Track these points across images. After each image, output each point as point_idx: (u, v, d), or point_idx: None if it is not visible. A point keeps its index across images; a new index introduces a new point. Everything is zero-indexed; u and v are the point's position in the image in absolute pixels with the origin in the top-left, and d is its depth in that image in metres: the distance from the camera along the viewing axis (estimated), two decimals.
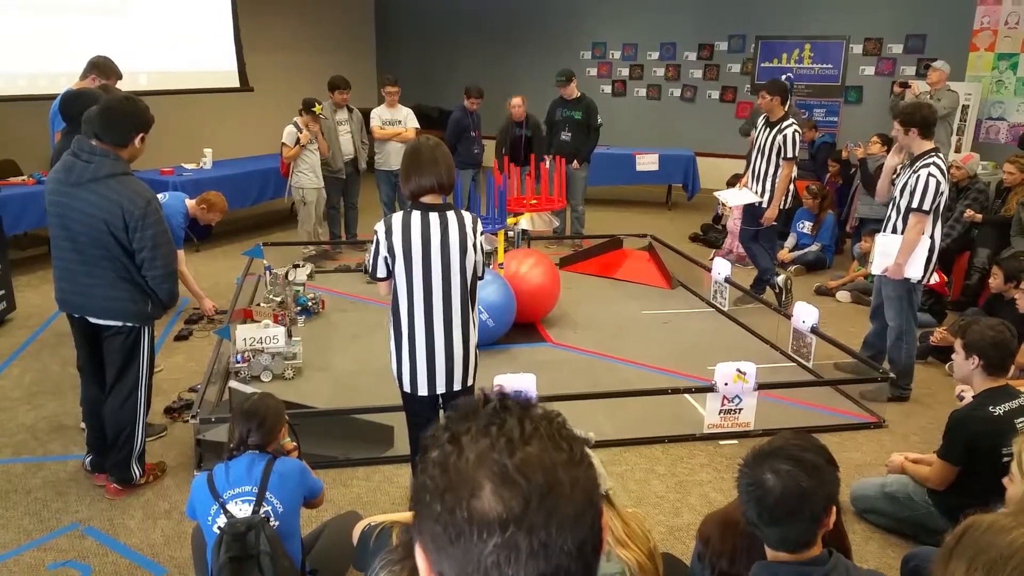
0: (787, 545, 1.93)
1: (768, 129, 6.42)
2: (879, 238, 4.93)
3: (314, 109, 7.36)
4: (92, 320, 3.60)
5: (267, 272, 6.24)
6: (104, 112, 3.45)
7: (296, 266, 6.47)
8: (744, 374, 4.38)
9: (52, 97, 4.77)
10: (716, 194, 8.31)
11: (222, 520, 2.70)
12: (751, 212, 6.71)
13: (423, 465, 0.81)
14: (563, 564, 0.77)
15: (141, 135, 3.52)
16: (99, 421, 3.74)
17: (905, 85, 8.26)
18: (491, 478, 0.77)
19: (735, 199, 6.90)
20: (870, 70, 10.73)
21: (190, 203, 6.05)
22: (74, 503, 3.76)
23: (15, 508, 3.71)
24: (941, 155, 4.74)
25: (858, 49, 10.71)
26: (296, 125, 7.36)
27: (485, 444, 0.79)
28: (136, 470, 3.79)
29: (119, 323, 3.57)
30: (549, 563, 0.76)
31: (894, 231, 4.78)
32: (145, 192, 3.48)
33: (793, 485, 1.85)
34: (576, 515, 0.78)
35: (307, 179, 7.52)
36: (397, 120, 8.12)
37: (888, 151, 7.78)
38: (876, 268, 4.94)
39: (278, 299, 5.82)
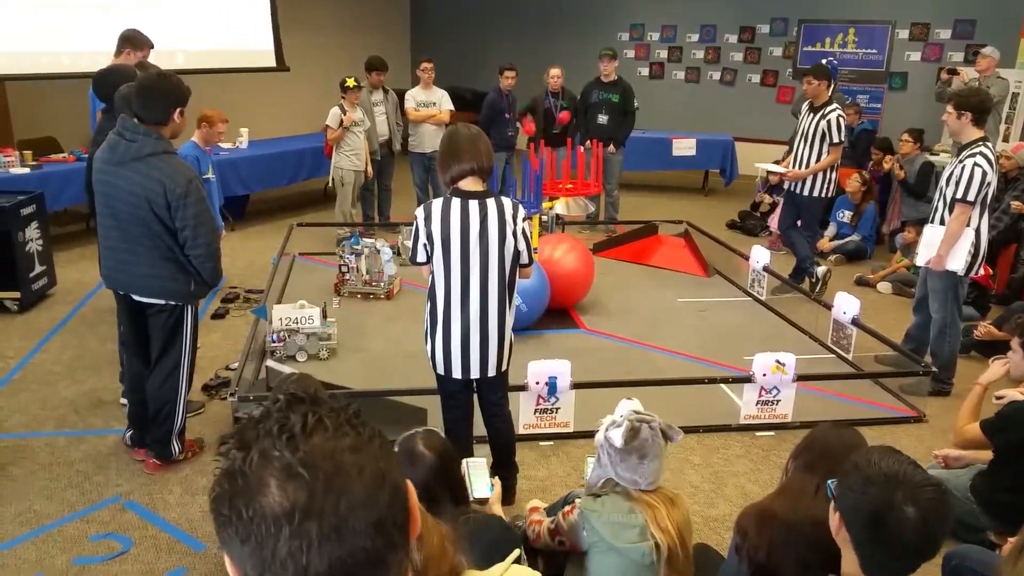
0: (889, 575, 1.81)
1: (812, 114, 6.32)
2: (926, 229, 4.83)
3: (347, 84, 7.36)
4: (136, 298, 3.64)
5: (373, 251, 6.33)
6: (140, 92, 3.48)
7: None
8: (783, 365, 4.32)
9: (90, 75, 4.80)
10: (758, 164, 8.21)
11: None
12: (792, 200, 6.62)
13: (216, 478, 0.82)
14: (359, 543, 0.79)
15: (179, 109, 3.55)
16: (141, 396, 3.79)
17: (953, 72, 8.05)
18: (275, 475, 0.78)
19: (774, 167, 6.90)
20: (916, 56, 10.49)
21: (193, 140, 5.83)
22: (115, 477, 3.82)
23: (58, 480, 3.78)
24: (989, 144, 4.61)
25: (904, 34, 10.48)
26: (341, 107, 7.37)
27: (268, 443, 0.80)
28: (176, 446, 3.84)
29: (162, 301, 3.61)
30: (343, 545, 0.78)
31: (941, 222, 4.68)
32: (187, 171, 3.51)
33: (933, 524, 1.73)
34: (368, 496, 0.80)
35: (347, 161, 7.54)
36: (432, 102, 8.10)
37: (920, 147, 7.67)
38: (921, 260, 4.84)
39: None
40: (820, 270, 6.59)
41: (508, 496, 3.69)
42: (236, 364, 4.67)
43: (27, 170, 7.01)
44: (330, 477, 0.78)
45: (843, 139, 6.26)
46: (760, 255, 6.59)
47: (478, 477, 2.75)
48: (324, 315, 5.20)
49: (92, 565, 3.22)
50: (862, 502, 1.77)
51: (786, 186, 6.70)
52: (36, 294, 6.00)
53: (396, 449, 2.50)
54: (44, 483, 3.75)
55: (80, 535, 3.40)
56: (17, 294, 5.78)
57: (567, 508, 2.66)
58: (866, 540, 1.78)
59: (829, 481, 1.90)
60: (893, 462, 1.80)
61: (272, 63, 10.12)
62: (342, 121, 7.33)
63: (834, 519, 1.86)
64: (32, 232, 5.92)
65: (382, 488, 0.81)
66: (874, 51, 10.67)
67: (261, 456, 0.79)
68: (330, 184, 7.87)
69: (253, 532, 0.78)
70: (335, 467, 0.79)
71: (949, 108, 4.64)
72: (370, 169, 7.72)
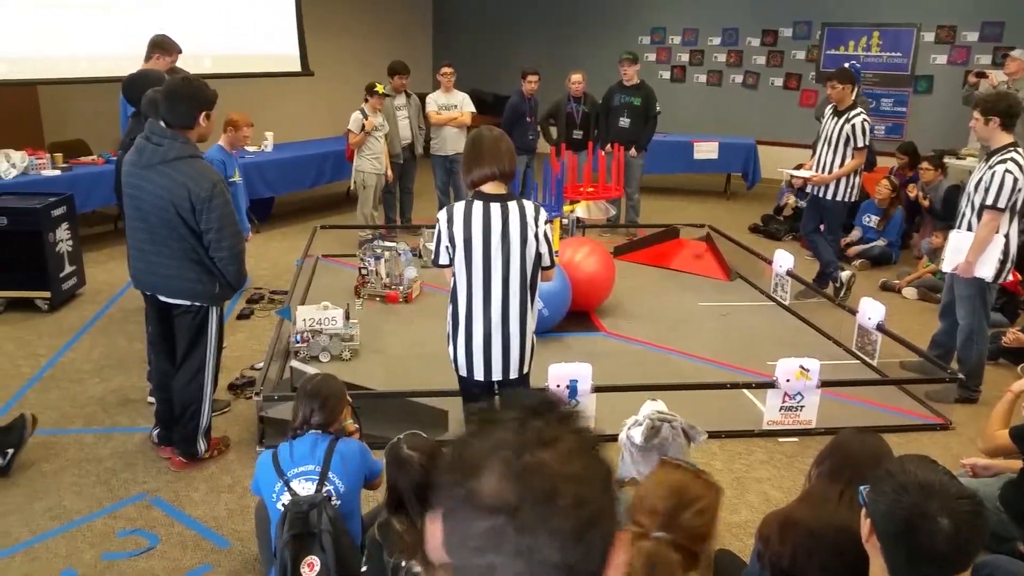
0: None
1: (836, 118, 6.29)
2: (952, 235, 4.79)
3: (376, 89, 7.42)
4: (163, 298, 3.69)
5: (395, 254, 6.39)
6: (166, 96, 3.54)
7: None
8: (807, 371, 4.30)
9: (120, 79, 4.88)
10: (781, 169, 8.16)
11: (286, 497, 2.76)
12: (815, 204, 6.59)
13: (467, 438, 0.84)
14: (548, 573, 0.77)
15: (205, 113, 3.59)
16: (168, 395, 3.85)
17: (981, 75, 7.98)
18: (498, 466, 0.79)
19: (798, 172, 6.89)
20: (942, 59, 10.39)
21: (219, 143, 5.91)
22: (141, 474, 3.88)
23: (87, 476, 3.84)
24: (1020, 150, 4.56)
25: (930, 37, 10.38)
26: (363, 111, 7.43)
27: (504, 436, 0.81)
28: (202, 444, 3.90)
29: (188, 302, 3.66)
30: (530, 567, 0.77)
31: (968, 228, 4.64)
32: (212, 174, 3.56)
33: (967, 536, 1.71)
34: (574, 532, 0.78)
35: (369, 164, 7.60)
36: (453, 104, 8.14)
37: (943, 173, 7.61)
38: (947, 266, 4.80)
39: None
40: (844, 275, 6.55)
41: None
42: (261, 364, 4.72)
43: (58, 172, 7.13)
44: (540, 497, 0.78)
45: (867, 144, 6.22)
46: (783, 259, 6.56)
47: None
48: (347, 316, 5.24)
49: (120, 561, 3.27)
50: (895, 510, 1.74)
51: (809, 190, 6.67)
52: (66, 294, 6.10)
53: (385, 458, 2.53)
54: (73, 479, 3.82)
55: (108, 531, 3.45)
56: (48, 293, 5.87)
57: None
58: (897, 548, 1.75)
59: (861, 487, 1.88)
60: (928, 471, 1.78)
61: (297, 67, 10.21)
62: (364, 126, 7.39)
63: (865, 525, 1.83)
64: (62, 233, 6.01)
65: (592, 531, 0.79)
66: (898, 54, 10.58)
67: (492, 445, 0.80)
68: (352, 187, 7.93)
69: (459, 508, 0.80)
70: (549, 491, 0.78)
71: (976, 114, 4.60)
72: (390, 172, 7.77)
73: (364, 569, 2.47)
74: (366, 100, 7.47)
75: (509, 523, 0.77)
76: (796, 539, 2.30)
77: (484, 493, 0.78)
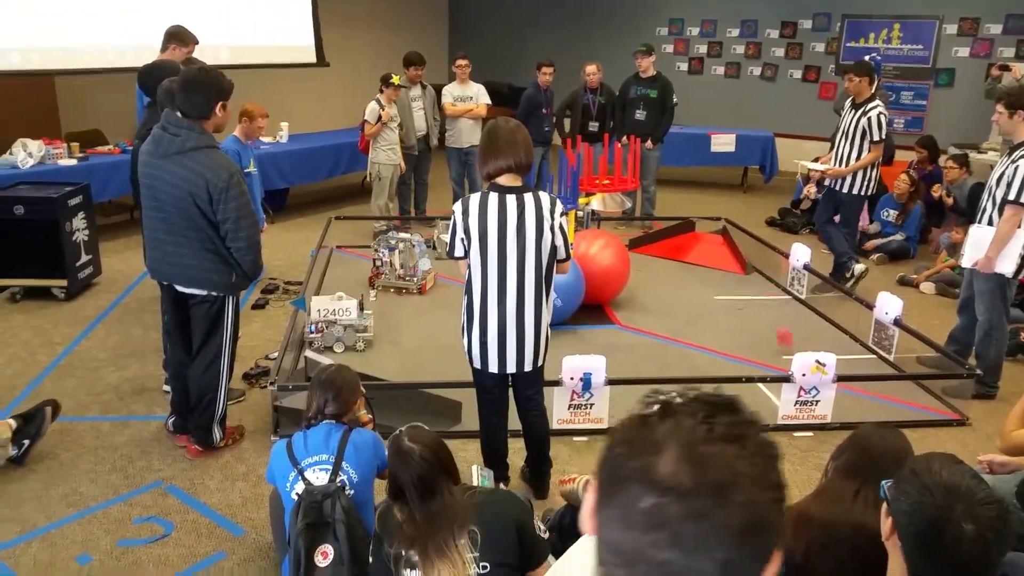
0: None
1: (854, 111, 6.24)
2: (972, 230, 4.73)
3: (392, 81, 7.42)
4: (179, 288, 3.71)
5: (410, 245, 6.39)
6: (183, 86, 3.54)
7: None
8: (824, 365, 4.27)
9: (136, 70, 4.89)
10: (798, 161, 8.10)
11: (300, 487, 2.77)
12: (831, 197, 6.55)
13: (630, 419, 0.84)
14: (701, 567, 0.76)
15: (221, 103, 3.60)
16: (184, 384, 3.87)
17: (1005, 68, 7.87)
18: (677, 448, 0.78)
19: (815, 165, 6.86)
20: (964, 51, 10.26)
21: (234, 134, 5.85)
22: (157, 462, 3.90)
23: (103, 463, 3.87)
24: None
25: (952, 29, 10.25)
26: (379, 102, 7.42)
27: (688, 423, 0.80)
28: (217, 433, 3.92)
29: (204, 292, 3.68)
30: (689, 557, 0.76)
31: (989, 223, 4.58)
32: (229, 165, 3.57)
33: (992, 543, 1.67)
34: (739, 530, 0.77)
35: (384, 156, 7.60)
36: (468, 96, 8.12)
37: (967, 171, 7.52)
38: (967, 261, 4.75)
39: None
40: (858, 268, 6.50)
41: (542, 490, 3.71)
42: (276, 354, 4.74)
43: (74, 162, 7.17)
44: (716, 486, 0.77)
45: (883, 137, 6.17)
46: (800, 253, 6.51)
47: (483, 479, 2.78)
48: (361, 307, 5.25)
49: (135, 547, 3.29)
50: (918, 512, 1.70)
51: (826, 182, 6.63)
52: (82, 282, 6.14)
53: (388, 450, 2.54)
54: (90, 466, 3.85)
55: (124, 518, 3.48)
56: (64, 282, 5.92)
57: None
58: (918, 550, 1.71)
59: (883, 482, 1.84)
60: (955, 473, 1.73)
61: (312, 59, 10.22)
62: (380, 116, 7.39)
63: (886, 524, 1.80)
64: (79, 222, 6.05)
65: (755, 536, 0.78)
66: (920, 47, 10.47)
67: (676, 426, 0.80)
68: (368, 178, 7.94)
69: (628, 479, 0.79)
70: (726, 483, 0.77)
71: (1000, 107, 4.54)
72: (403, 163, 7.77)
73: (372, 560, 2.47)
74: (381, 91, 7.46)
75: (677, 506, 0.76)
76: (810, 534, 2.28)
77: (659, 470, 0.77)
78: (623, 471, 0.80)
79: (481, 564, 2.31)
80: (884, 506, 1.81)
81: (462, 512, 2.35)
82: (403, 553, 2.32)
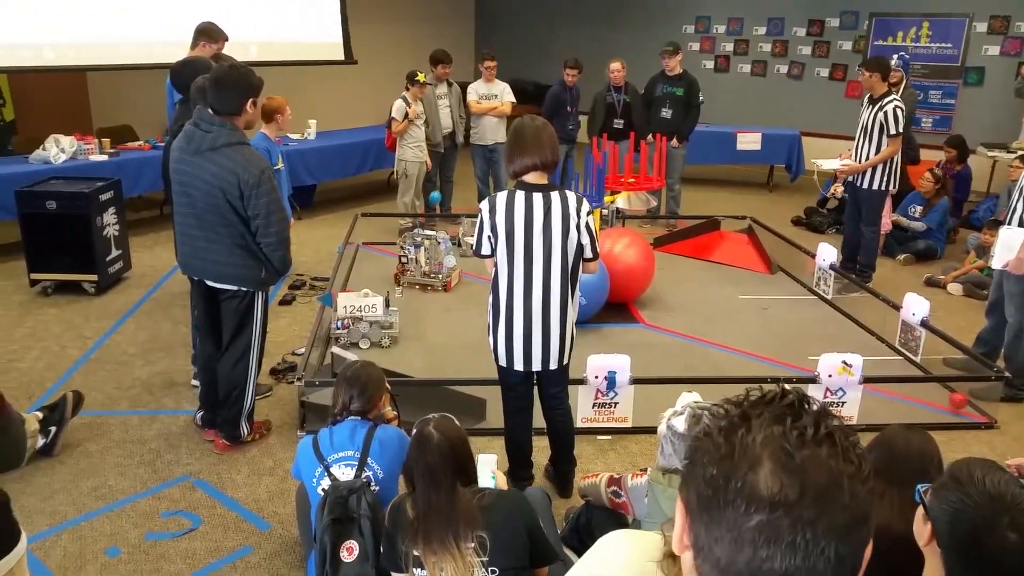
0: None
1: (871, 106, 6.22)
2: (1003, 231, 4.68)
3: (418, 78, 7.45)
4: (210, 283, 3.75)
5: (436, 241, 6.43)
6: (214, 84, 3.58)
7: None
8: (850, 366, 4.24)
9: (167, 66, 4.94)
10: (815, 161, 8.04)
11: (326, 482, 2.79)
12: (854, 194, 6.56)
13: (705, 429, 0.85)
14: (818, 567, 0.78)
15: (251, 100, 3.63)
16: (213, 378, 3.92)
17: None
18: (774, 460, 0.79)
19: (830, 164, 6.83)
20: (994, 50, 10.11)
21: (263, 131, 5.83)
22: (185, 456, 3.96)
23: (132, 457, 3.93)
24: None
25: (982, 27, 10.11)
26: (405, 100, 7.46)
27: (777, 430, 0.81)
28: (245, 427, 3.96)
29: (234, 287, 3.72)
30: (806, 560, 0.78)
31: (1020, 224, 4.53)
32: (260, 161, 3.61)
33: None
34: (848, 526, 0.79)
35: (411, 153, 7.64)
36: (493, 94, 8.14)
37: None
38: (997, 262, 4.69)
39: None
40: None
41: (566, 489, 3.71)
42: (302, 349, 4.78)
43: (105, 157, 7.27)
44: (822, 490, 0.78)
45: (901, 131, 6.13)
46: (826, 252, 6.46)
47: (483, 470, 2.77)
48: (387, 304, 5.28)
49: (163, 541, 3.34)
50: (961, 519, 1.65)
51: (849, 179, 6.61)
52: (112, 277, 6.22)
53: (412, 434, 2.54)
54: (118, 460, 3.91)
55: (152, 511, 3.53)
56: (94, 277, 6.00)
57: (636, 471, 2.67)
58: (959, 559, 1.66)
59: (919, 486, 1.79)
60: (999, 481, 1.67)
61: (340, 56, 10.27)
62: (407, 114, 7.42)
63: (925, 529, 1.74)
64: (109, 217, 6.14)
65: (862, 527, 0.81)
66: (949, 45, 10.33)
67: (767, 437, 0.80)
68: (395, 176, 7.98)
69: (732, 503, 0.80)
70: (831, 485, 0.79)
71: None
72: (429, 161, 7.80)
73: (382, 551, 2.48)
74: (407, 88, 7.49)
75: (786, 517, 0.77)
76: None
77: (761, 487, 0.78)
78: (725, 492, 0.80)
79: (491, 569, 2.31)
80: (920, 511, 1.77)
81: (467, 513, 2.32)
82: (412, 552, 2.32)
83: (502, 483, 2.82)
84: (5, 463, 1.55)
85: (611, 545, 1.84)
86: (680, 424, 2.44)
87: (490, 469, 2.83)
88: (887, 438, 2.42)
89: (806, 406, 0.84)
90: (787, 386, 0.87)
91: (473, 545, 2.29)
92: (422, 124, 7.62)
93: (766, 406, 0.83)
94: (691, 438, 0.87)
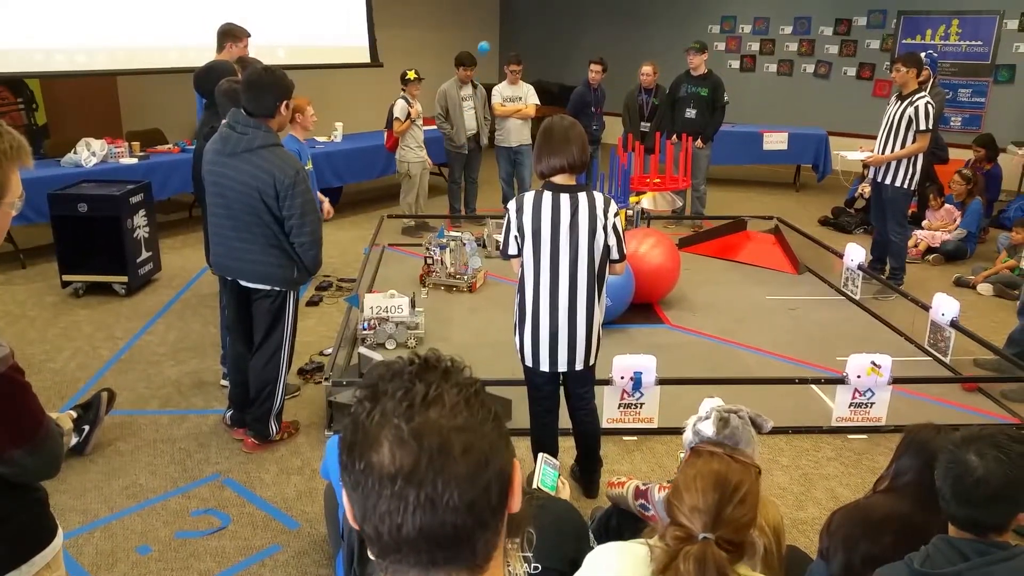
0: (976, 528, 1.88)
1: (899, 102, 6.16)
2: None
3: (408, 76, 7.51)
4: (243, 283, 3.80)
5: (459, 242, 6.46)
6: (248, 86, 3.62)
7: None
8: (879, 367, 4.20)
9: (195, 69, 5.00)
10: (840, 153, 7.98)
11: None
12: (878, 192, 6.51)
13: (345, 421, 0.91)
14: (450, 519, 0.85)
15: (285, 102, 3.67)
16: (243, 377, 3.96)
17: None
18: (389, 437, 0.84)
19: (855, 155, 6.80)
20: None
21: (294, 134, 5.76)
22: (214, 455, 4.00)
23: (162, 456, 3.98)
24: None
25: (1013, 24, 9.96)
26: (406, 99, 7.51)
27: (390, 405, 0.86)
28: (273, 426, 4.00)
29: (268, 287, 3.76)
30: (436, 516, 0.84)
31: None
32: (295, 162, 3.65)
33: (996, 470, 1.82)
34: (468, 475, 0.85)
35: (412, 153, 7.70)
36: (518, 96, 8.15)
37: None
38: None
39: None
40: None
41: (592, 489, 3.71)
42: (330, 350, 4.82)
43: (135, 160, 7.36)
44: (435, 452, 0.84)
45: (930, 127, 6.06)
46: (854, 253, 6.40)
47: (547, 471, 2.76)
48: (413, 305, 5.31)
49: (193, 539, 3.37)
50: (945, 460, 1.92)
51: (870, 174, 6.55)
52: (142, 279, 6.31)
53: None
54: (149, 459, 3.96)
55: (182, 510, 3.57)
56: (125, 278, 6.08)
57: (663, 483, 2.66)
58: (948, 494, 1.89)
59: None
60: (987, 430, 1.94)
61: (367, 59, 10.34)
62: (409, 113, 7.48)
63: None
64: (139, 220, 6.22)
65: (483, 471, 0.86)
66: (979, 43, 10.20)
67: (382, 416, 0.86)
68: (397, 177, 8.03)
69: (361, 483, 0.86)
70: (442, 443, 0.84)
71: None
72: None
73: None
74: (403, 89, 7.55)
75: (409, 484, 0.83)
76: (861, 536, 2.28)
77: (384, 463, 0.84)
78: (355, 475, 0.87)
79: (533, 565, 2.32)
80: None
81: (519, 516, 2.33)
82: None
83: (564, 492, 2.77)
84: (43, 475, 1.60)
85: (603, 560, 1.86)
86: (708, 429, 2.43)
87: (553, 473, 2.80)
88: (928, 450, 2.37)
89: (426, 371, 0.89)
90: (421, 351, 0.93)
91: (518, 540, 2.30)
92: (420, 124, 7.66)
93: (392, 380, 0.89)
94: None
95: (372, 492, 0.85)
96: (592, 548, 2.56)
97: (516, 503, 0.93)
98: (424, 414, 0.85)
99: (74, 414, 3.94)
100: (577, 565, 2.42)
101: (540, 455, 2.77)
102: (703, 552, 1.65)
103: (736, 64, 12.29)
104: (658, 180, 7.11)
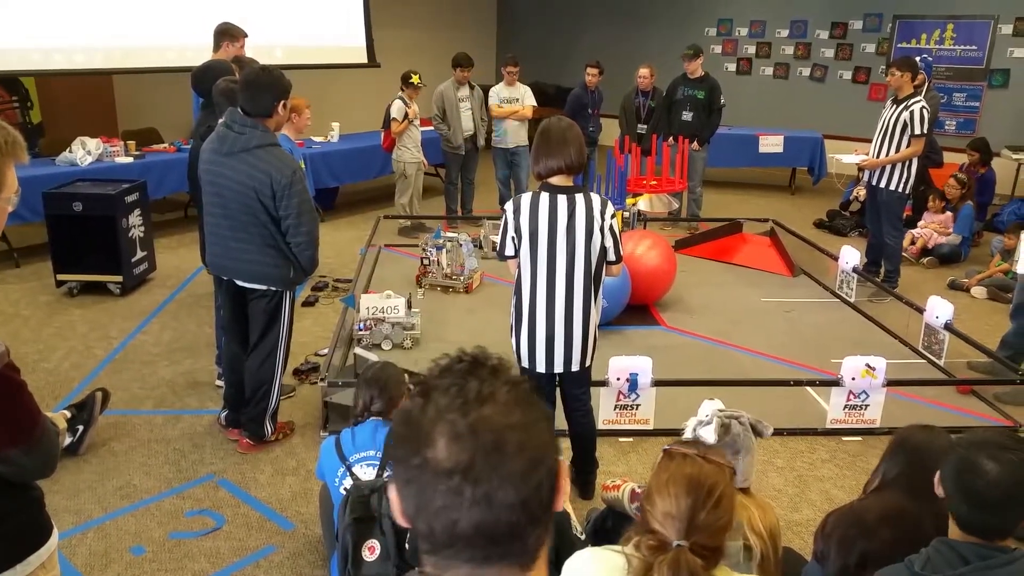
0: (984, 532, 1.88)
1: (895, 106, 6.18)
2: None
3: (412, 80, 7.50)
4: (239, 283, 3.79)
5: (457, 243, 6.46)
6: (246, 86, 3.62)
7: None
8: (873, 369, 4.21)
9: (191, 69, 4.99)
10: (835, 156, 8.00)
11: (348, 482, 2.81)
12: (872, 196, 6.54)
13: (397, 416, 0.92)
14: (504, 516, 0.86)
15: (282, 102, 3.67)
16: (238, 377, 3.96)
17: None
18: (444, 434, 0.86)
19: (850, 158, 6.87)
20: (1020, 52, 9.99)
21: (286, 134, 5.90)
22: (209, 455, 3.99)
23: (156, 457, 3.97)
24: None
25: (1007, 29, 10.00)
26: (403, 100, 7.51)
27: (444, 402, 0.88)
28: (269, 427, 3.99)
29: (264, 287, 3.75)
30: (491, 512, 0.85)
31: None
32: (291, 162, 3.65)
33: (1014, 473, 1.82)
34: (522, 473, 0.86)
35: (408, 153, 7.71)
36: (515, 98, 8.15)
37: None
38: (1022, 267, 4.65)
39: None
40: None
41: (587, 491, 3.71)
42: (325, 350, 4.81)
43: (131, 160, 7.35)
44: (490, 448, 0.85)
45: (925, 131, 6.08)
46: (849, 255, 6.42)
47: None
48: (409, 305, 5.31)
49: (187, 540, 3.36)
50: (955, 460, 1.91)
51: (864, 178, 6.58)
52: (137, 278, 6.29)
53: None
54: (143, 459, 3.94)
55: (176, 510, 3.56)
56: (120, 278, 6.07)
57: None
58: (959, 498, 1.88)
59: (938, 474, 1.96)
60: (977, 435, 1.98)
61: (364, 59, 10.34)
62: (407, 114, 7.48)
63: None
64: (135, 219, 6.20)
65: (536, 469, 0.88)
66: (973, 47, 10.24)
67: (436, 412, 0.87)
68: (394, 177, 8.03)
69: (416, 478, 0.87)
70: (496, 440, 0.86)
71: None
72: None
73: (408, 548, 2.50)
74: (402, 89, 7.55)
75: (465, 480, 0.84)
76: (857, 538, 2.29)
77: (439, 459, 0.85)
78: (410, 471, 0.88)
79: None
80: (939, 492, 1.96)
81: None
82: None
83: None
84: (39, 474, 1.60)
85: (579, 569, 1.86)
86: (709, 434, 2.42)
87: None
88: (912, 446, 2.39)
89: (477, 368, 0.91)
90: (468, 349, 0.95)
91: None
92: (417, 125, 7.66)
93: (443, 377, 0.90)
94: None
95: (427, 487, 0.85)
96: (581, 546, 2.56)
97: (561, 502, 0.94)
98: (478, 410, 0.87)
99: (68, 414, 3.92)
100: (556, 563, 2.42)
101: None
102: (676, 560, 1.61)
103: (732, 67, 12.31)
104: (655, 182, 7.12)
